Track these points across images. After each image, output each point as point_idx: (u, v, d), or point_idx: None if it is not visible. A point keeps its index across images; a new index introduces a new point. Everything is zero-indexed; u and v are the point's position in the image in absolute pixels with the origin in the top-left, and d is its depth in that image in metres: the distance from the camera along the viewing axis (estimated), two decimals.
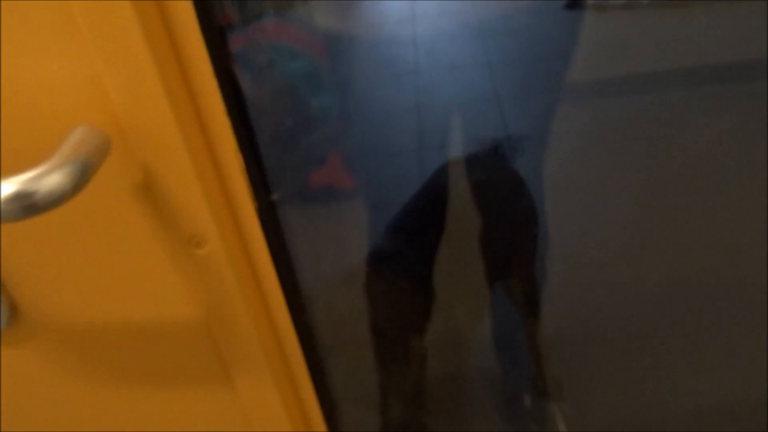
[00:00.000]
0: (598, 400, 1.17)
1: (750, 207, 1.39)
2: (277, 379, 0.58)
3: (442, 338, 1.08)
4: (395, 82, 2.17)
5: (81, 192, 0.39)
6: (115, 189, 0.46)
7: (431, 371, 1.07)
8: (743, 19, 2.00)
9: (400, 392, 1.05)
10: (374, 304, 1.02)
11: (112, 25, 0.39)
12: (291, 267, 0.56)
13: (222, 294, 0.52)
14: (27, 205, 0.37)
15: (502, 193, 1.15)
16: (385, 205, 1.15)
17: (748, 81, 1.84)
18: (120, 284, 0.52)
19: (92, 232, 0.48)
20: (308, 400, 0.63)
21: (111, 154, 0.44)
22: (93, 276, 0.51)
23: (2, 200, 0.37)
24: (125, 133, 0.43)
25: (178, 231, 0.49)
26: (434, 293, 1.06)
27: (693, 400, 1.07)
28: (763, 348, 1.11)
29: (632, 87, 1.89)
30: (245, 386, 0.58)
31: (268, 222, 0.52)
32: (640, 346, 1.23)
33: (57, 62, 0.40)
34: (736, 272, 1.29)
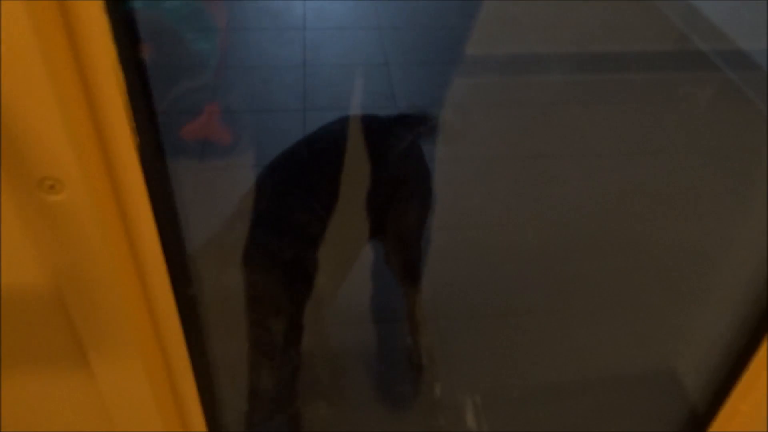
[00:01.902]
0: (471, 370, 1.17)
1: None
2: (148, 364, 0.47)
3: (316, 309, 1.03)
4: (281, 35, 2.05)
5: None
6: None
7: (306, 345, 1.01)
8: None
9: (276, 371, 0.98)
10: (248, 271, 0.93)
11: None
12: (177, 225, 0.45)
13: (79, 253, 0.40)
14: None
15: (398, 156, 1.10)
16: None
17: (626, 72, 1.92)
18: None
19: None
20: (187, 392, 0.52)
21: None
22: None
23: None
24: None
25: (25, 169, 0.36)
26: (316, 261, 1.00)
27: (565, 374, 1.09)
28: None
29: (522, 66, 1.90)
30: (105, 372, 0.46)
31: (152, 168, 0.41)
32: (516, 319, 1.24)
33: None
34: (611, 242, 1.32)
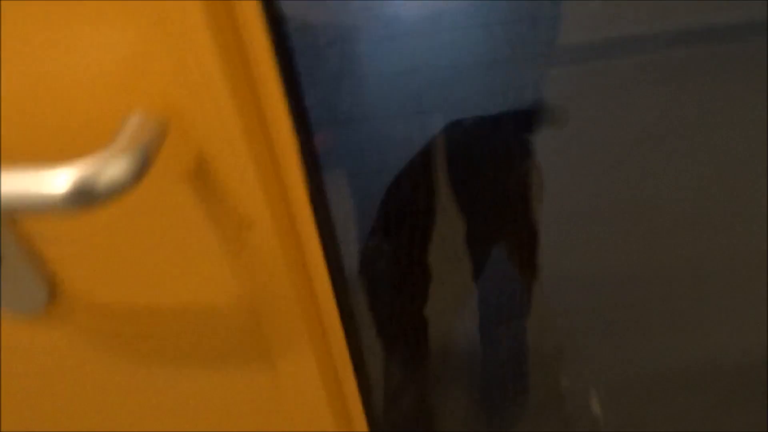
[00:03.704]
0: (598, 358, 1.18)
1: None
2: (320, 363, 0.57)
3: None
4: (392, 43, 2.12)
5: (140, 183, 0.37)
6: (167, 174, 0.44)
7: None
8: None
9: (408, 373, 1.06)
10: (371, 282, 1.01)
11: (166, 4, 0.36)
12: (337, 249, 0.54)
13: (269, 276, 0.50)
14: (86, 198, 0.35)
15: (495, 157, 1.13)
16: (382, 172, 1.13)
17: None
18: (167, 267, 0.50)
19: (143, 216, 0.46)
20: (348, 384, 0.62)
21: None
22: (138, 259, 0.49)
23: (61, 193, 0.34)
24: (182, 117, 0.40)
25: (229, 212, 0.47)
26: (430, 270, 1.05)
27: (694, 365, 1.09)
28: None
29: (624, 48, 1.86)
30: (287, 369, 0.57)
31: (318, 204, 0.50)
32: (639, 310, 1.24)
33: (109, 44, 0.38)
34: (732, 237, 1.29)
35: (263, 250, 0.49)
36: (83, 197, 0.34)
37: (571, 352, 1.22)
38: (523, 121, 1.17)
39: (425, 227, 1.06)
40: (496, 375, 1.22)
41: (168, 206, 0.45)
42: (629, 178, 1.47)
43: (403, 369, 1.06)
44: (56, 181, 0.34)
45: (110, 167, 0.35)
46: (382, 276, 1.03)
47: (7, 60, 0.38)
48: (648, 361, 1.14)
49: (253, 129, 0.43)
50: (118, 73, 0.38)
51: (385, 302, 1.03)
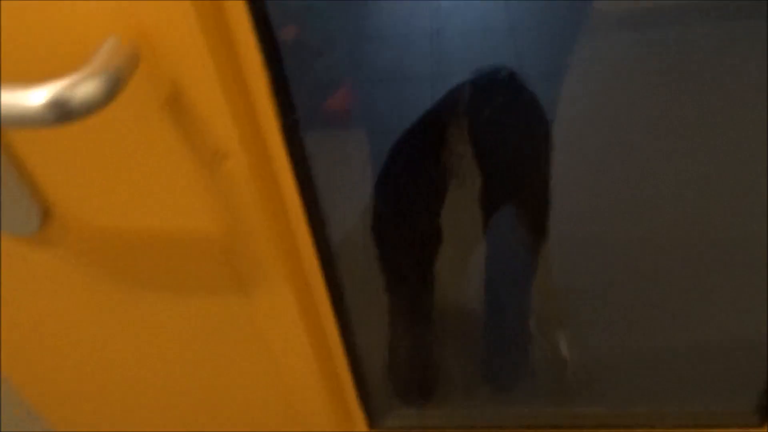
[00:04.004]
0: (600, 330, 1.20)
1: None
2: (296, 291, 0.61)
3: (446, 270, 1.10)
4: (413, 5, 2.11)
5: (112, 102, 0.40)
6: (143, 101, 0.47)
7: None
8: None
9: (409, 325, 1.08)
10: (377, 240, 1.03)
11: None
12: (312, 185, 0.57)
13: (243, 206, 0.54)
14: (61, 112, 0.38)
15: (518, 115, 1.13)
16: (393, 132, 1.14)
17: None
18: (146, 193, 0.53)
19: (121, 143, 0.50)
20: (324, 312, 0.66)
21: (140, 67, 0.45)
22: (120, 184, 0.53)
23: (38, 106, 0.38)
24: (154, 47, 0.44)
25: (202, 144, 0.50)
26: (440, 227, 1.07)
27: (694, 338, 1.10)
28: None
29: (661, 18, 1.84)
30: (263, 297, 0.61)
31: (292, 139, 0.53)
32: (648, 281, 1.25)
33: None
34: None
35: (237, 181, 0.52)
36: (59, 111, 0.38)
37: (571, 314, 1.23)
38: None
39: (438, 184, 1.07)
40: (499, 336, 1.25)
41: (146, 133, 0.49)
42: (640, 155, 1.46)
43: (407, 326, 1.09)
44: (35, 96, 0.38)
45: (83, 85, 0.39)
46: (393, 232, 1.05)
47: None
48: (642, 333, 1.16)
49: (225, 62, 0.46)
50: (93, 2, 0.41)
51: (394, 259, 1.06)
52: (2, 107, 0.39)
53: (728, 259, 1.23)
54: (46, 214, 0.56)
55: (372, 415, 0.80)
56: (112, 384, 0.75)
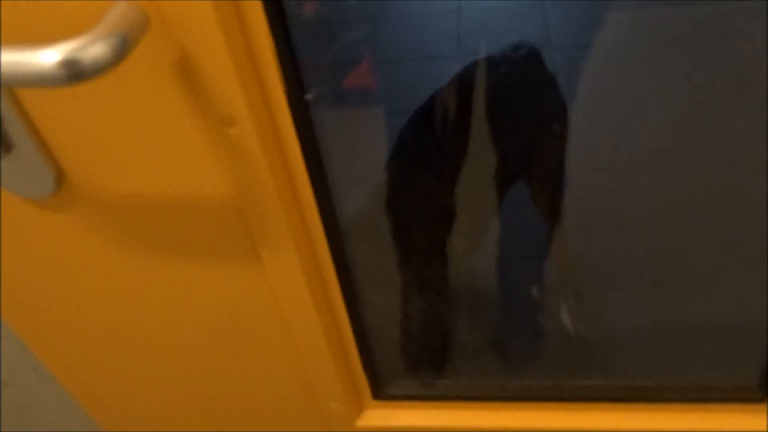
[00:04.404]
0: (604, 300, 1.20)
1: None
2: (302, 257, 0.62)
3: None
4: None
5: (121, 64, 0.42)
6: (153, 64, 0.48)
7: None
8: None
9: (420, 295, 1.09)
10: (391, 216, 1.04)
11: None
12: (318, 155, 0.58)
13: (251, 172, 0.55)
14: (73, 72, 0.40)
15: (535, 91, 1.13)
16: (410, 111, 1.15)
17: None
18: (157, 157, 0.55)
19: (131, 107, 0.52)
20: (329, 279, 0.67)
21: (149, 32, 0.46)
22: (131, 149, 0.55)
23: (51, 65, 0.40)
24: (163, 12, 0.45)
25: (211, 109, 0.51)
26: (454, 202, 1.08)
27: (699, 313, 1.10)
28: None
29: None
30: (271, 261, 0.62)
31: (297, 109, 0.54)
32: (658, 255, 1.25)
33: None
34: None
35: (244, 147, 0.54)
36: (71, 71, 0.40)
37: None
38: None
39: (453, 160, 1.08)
40: (509, 312, 1.26)
41: (156, 96, 0.51)
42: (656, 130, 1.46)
43: (420, 299, 1.10)
44: (48, 55, 0.40)
45: (94, 46, 0.40)
46: (407, 207, 1.06)
47: None
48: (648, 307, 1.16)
49: (233, 29, 0.47)
50: None
51: (408, 234, 1.07)
52: (16, 66, 0.40)
53: (736, 237, 1.22)
54: (60, 177, 0.58)
55: (377, 384, 0.82)
56: (125, 349, 0.78)
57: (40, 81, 0.41)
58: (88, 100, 0.52)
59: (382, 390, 0.82)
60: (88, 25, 0.41)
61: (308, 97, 0.55)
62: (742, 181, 1.33)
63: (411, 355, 1.04)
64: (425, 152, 1.09)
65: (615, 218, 1.34)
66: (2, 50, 0.41)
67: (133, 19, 0.43)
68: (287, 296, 0.66)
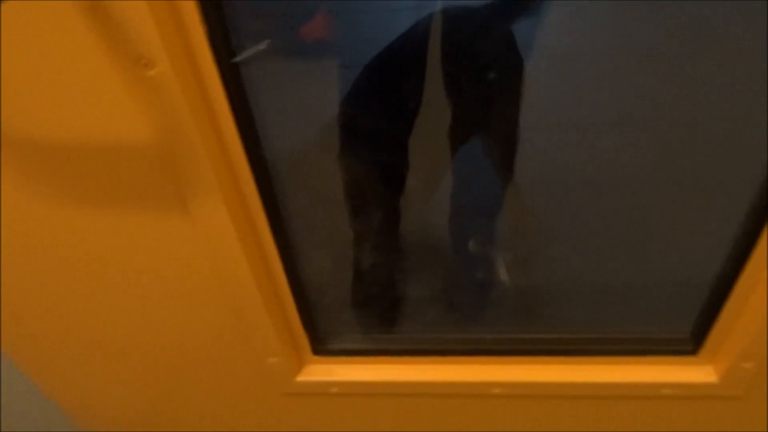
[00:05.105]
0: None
1: None
2: (230, 206, 0.60)
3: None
4: None
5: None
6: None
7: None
8: None
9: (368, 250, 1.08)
10: (344, 169, 1.02)
11: None
12: (245, 99, 0.56)
13: (172, 117, 0.53)
14: None
15: (492, 45, 1.11)
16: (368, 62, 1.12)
17: None
18: (73, 102, 0.52)
19: (39, 46, 0.48)
20: (262, 230, 0.65)
21: None
22: (45, 92, 0.52)
23: None
24: None
25: (125, 50, 0.48)
26: (407, 156, 1.06)
27: (634, 268, 1.11)
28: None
29: None
30: (198, 210, 0.60)
31: (222, 51, 0.52)
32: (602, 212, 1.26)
33: None
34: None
35: (165, 91, 0.51)
36: None
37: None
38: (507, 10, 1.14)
39: (408, 112, 1.05)
40: (451, 267, 1.26)
41: (64, 36, 0.47)
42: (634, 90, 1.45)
43: (371, 253, 1.09)
44: None
45: None
46: (360, 155, 1.04)
47: None
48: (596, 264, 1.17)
49: None
50: None
51: (360, 187, 1.05)
52: None
53: (673, 194, 1.24)
54: None
55: (317, 340, 0.81)
56: (58, 305, 0.75)
57: None
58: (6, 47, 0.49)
59: (322, 345, 0.81)
60: None
61: (241, 56, 0.53)
62: (688, 142, 1.34)
63: (362, 309, 1.03)
64: (379, 104, 1.06)
65: (557, 175, 1.35)
66: None
67: None
68: (217, 247, 0.64)
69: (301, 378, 0.82)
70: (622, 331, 0.80)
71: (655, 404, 0.81)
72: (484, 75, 1.11)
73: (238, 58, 0.53)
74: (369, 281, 1.08)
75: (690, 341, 0.76)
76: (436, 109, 1.06)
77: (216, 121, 0.56)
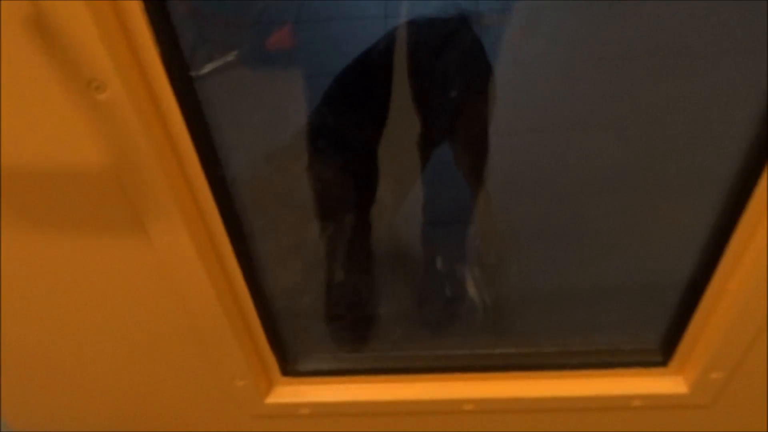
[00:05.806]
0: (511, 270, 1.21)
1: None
2: (190, 227, 0.58)
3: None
4: None
5: None
6: (5, 22, 0.43)
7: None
8: None
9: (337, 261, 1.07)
10: (313, 179, 1.01)
11: None
12: (203, 118, 0.54)
13: (127, 139, 0.51)
14: None
15: (461, 54, 1.11)
16: (333, 73, 1.11)
17: None
18: (29, 127, 0.50)
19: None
20: (224, 251, 0.64)
21: None
22: (3, 116, 0.50)
23: None
24: None
25: (75, 73, 0.47)
26: (377, 166, 1.06)
27: (602, 280, 1.11)
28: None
29: None
30: (157, 233, 0.58)
31: (176, 70, 0.50)
32: (570, 222, 1.26)
33: None
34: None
35: (118, 113, 0.49)
36: None
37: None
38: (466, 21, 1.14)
39: (376, 121, 1.05)
40: (434, 278, 1.25)
41: (12, 59, 0.45)
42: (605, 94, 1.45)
43: (343, 267, 1.07)
44: None
45: None
46: (330, 166, 1.03)
47: None
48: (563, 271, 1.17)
49: None
50: None
51: (330, 198, 1.04)
52: None
53: (641, 202, 1.25)
54: None
55: (285, 361, 0.79)
56: (19, 331, 0.73)
57: None
58: None
59: (291, 366, 0.80)
60: None
61: (207, 68, 0.51)
62: (657, 147, 1.34)
63: (332, 324, 1.02)
64: (349, 115, 1.06)
65: (524, 180, 1.34)
66: None
67: None
68: (178, 270, 0.62)
69: (271, 400, 0.80)
70: (592, 344, 0.80)
71: (625, 415, 0.81)
72: (453, 84, 1.10)
73: (204, 70, 0.52)
74: (339, 296, 1.07)
75: (659, 352, 0.76)
76: (405, 117, 1.06)
77: (173, 141, 0.54)
